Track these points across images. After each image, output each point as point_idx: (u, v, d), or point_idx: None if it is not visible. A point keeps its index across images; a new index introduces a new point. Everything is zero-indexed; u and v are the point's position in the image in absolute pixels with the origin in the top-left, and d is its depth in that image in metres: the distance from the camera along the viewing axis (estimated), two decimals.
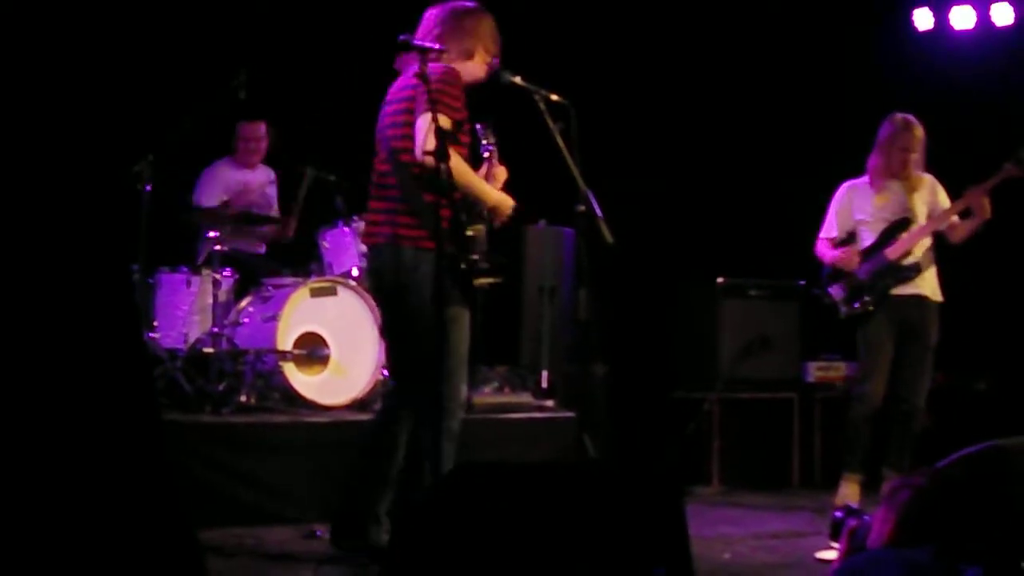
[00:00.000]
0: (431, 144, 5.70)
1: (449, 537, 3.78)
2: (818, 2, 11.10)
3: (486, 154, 6.36)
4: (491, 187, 6.14)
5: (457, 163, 5.83)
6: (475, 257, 5.94)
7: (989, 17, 10.62)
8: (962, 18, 10.75)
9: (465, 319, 6.00)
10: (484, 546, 3.81)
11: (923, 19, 10.96)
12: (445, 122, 5.74)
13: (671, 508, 4.26)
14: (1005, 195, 8.25)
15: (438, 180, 5.67)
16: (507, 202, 6.14)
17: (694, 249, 11.03)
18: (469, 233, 5.94)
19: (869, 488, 8.05)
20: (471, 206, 5.99)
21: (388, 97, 6.18)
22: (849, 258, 8.33)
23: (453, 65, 6.03)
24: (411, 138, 5.85)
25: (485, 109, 6.33)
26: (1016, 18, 10.52)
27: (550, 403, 9.16)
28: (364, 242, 6.27)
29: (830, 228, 8.51)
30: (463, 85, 6.01)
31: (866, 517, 4.32)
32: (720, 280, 9.94)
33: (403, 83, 6.11)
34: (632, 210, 9.43)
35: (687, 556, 4.33)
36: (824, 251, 8.50)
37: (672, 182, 11.35)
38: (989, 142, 8.46)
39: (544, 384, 9.60)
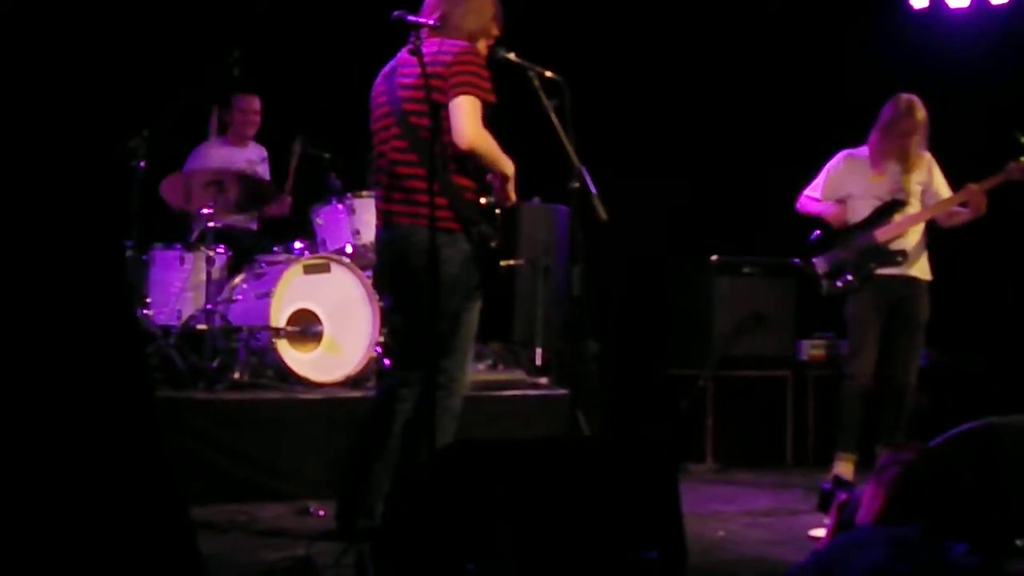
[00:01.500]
0: (474, 127, 5.71)
1: (443, 512, 3.79)
2: None
3: None
4: (510, 162, 6.08)
5: (489, 137, 5.85)
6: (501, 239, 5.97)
7: None
8: None
9: (478, 302, 6.01)
10: (478, 521, 3.81)
11: None
12: (477, 104, 5.78)
13: (665, 485, 4.27)
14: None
15: (477, 164, 5.76)
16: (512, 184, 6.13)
17: (688, 226, 11.02)
18: (497, 213, 5.96)
19: (863, 467, 8.06)
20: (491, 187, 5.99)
21: (401, 64, 6.07)
22: (839, 216, 8.33)
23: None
24: (430, 115, 5.79)
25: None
26: None
27: (544, 380, 9.16)
28: (381, 221, 6.18)
29: (816, 188, 8.51)
30: (485, 62, 5.97)
31: (856, 491, 4.33)
32: (714, 257, 9.94)
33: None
34: (626, 187, 9.42)
35: (680, 533, 4.34)
36: (809, 204, 8.49)
37: (666, 159, 11.34)
38: (984, 121, 8.47)
39: (538, 361, 9.59)
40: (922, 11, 10.96)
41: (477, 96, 5.79)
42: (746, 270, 10.02)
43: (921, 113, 8.22)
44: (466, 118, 5.75)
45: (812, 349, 10.06)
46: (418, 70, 5.80)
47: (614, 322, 10.36)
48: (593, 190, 6.01)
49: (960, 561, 3.70)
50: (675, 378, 9.93)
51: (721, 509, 7.75)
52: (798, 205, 8.55)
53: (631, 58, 11.28)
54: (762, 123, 11.15)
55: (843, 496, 4.29)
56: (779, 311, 9.99)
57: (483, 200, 5.90)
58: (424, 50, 5.72)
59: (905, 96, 8.24)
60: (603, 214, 5.98)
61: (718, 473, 9.41)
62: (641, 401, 10.06)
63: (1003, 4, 10.56)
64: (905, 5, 10.96)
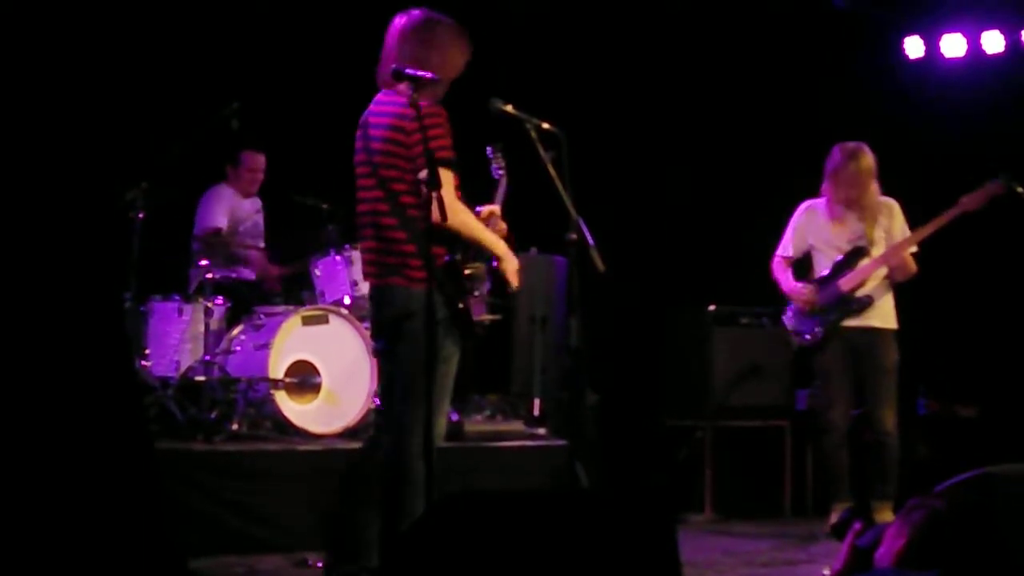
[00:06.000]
0: (450, 200, 5.68)
1: (439, 566, 3.78)
2: (809, 31, 11.13)
3: (497, 177, 6.38)
4: (497, 238, 6.09)
5: (467, 217, 5.82)
6: (476, 295, 5.94)
7: (980, 45, 10.66)
8: (953, 46, 10.79)
9: (455, 357, 5.97)
10: (475, 574, 3.81)
11: (914, 47, 11.00)
12: (450, 177, 5.77)
13: (663, 536, 4.26)
14: (995, 223, 8.27)
15: (450, 234, 5.72)
16: (513, 261, 6.11)
17: (685, 277, 11.03)
18: (468, 271, 5.93)
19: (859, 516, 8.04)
20: (468, 244, 5.97)
21: (371, 119, 6.01)
22: (806, 297, 8.33)
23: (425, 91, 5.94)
24: (404, 169, 5.82)
25: (486, 134, 6.33)
26: (1006, 46, 10.56)
27: (542, 431, 9.17)
28: (366, 279, 6.21)
29: (786, 247, 8.54)
30: (447, 119, 5.95)
31: (876, 524, 4.33)
32: (711, 308, 9.93)
33: (386, 103, 6.02)
34: (624, 238, 9.44)
35: None
36: (780, 274, 8.51)
37: (663, 210, 11.37)
38: (979, 169, 8.49)
39: (536, 412, 9.59)
40: (918, 60, 11.02)
41: (450, 166, 5.76)
42: (744, 320, 10.01)
43: (863, 162, 8.22)
44: (444, 193, 5.70)
45: (811, 399, 10.04)
46: (386, 133, 5.87)
47: (612, 373, 10.35)
48: (591, 241, 6.02)
49: None
50: (673, 428, 9.91)
51: (720, 559, 7.74)
52: (772, 271, 8.57)
53: (629, 109, 11.32)
54: (759, 173, 11.18)
55: (859, 525, 4.28)
56: (777, 361, 9.95)
57: (445, 259, 5.84)
58: (390, 99, 5.80)
59: (851, 146, 8.27)
60: (601, 265, 5.99)
61: (716, 523, 9.38)
62: (639, 451, 10.04)
63: (998, 54, 10.61)
64: (901, 55, 11.02)
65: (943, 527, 4.00)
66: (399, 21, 6.07)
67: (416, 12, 6.08)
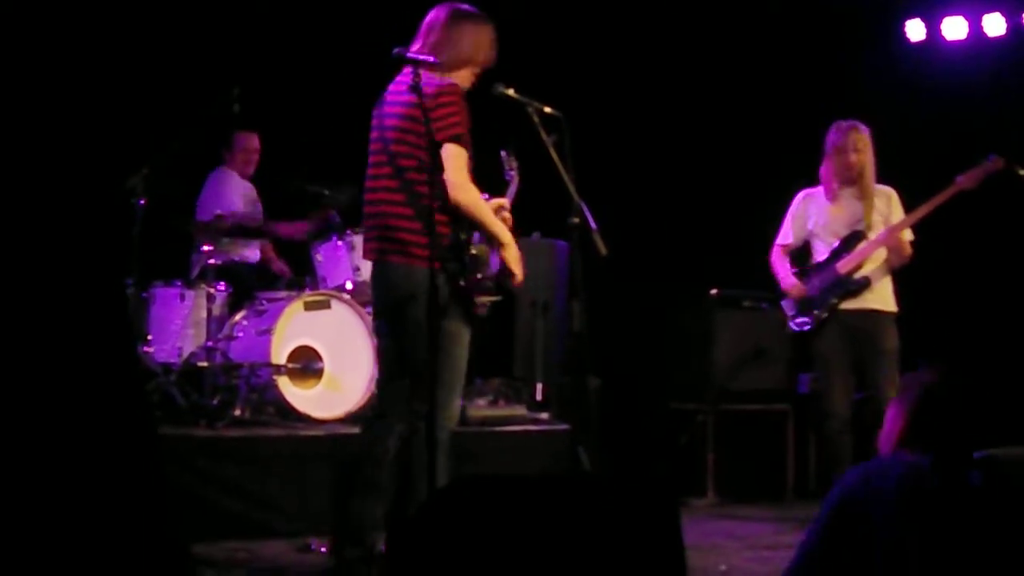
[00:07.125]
0: (462, 178, 5.72)
1: (444, 550, 3.78)
2: (810, 14, 11.11)
3: (510, 179, 6.42)
4: (503, 226, 6.10)
5: (474, 197, 5.86)
6: (479, 276, 5.95)
7: (981, 28, 10.64)
8: (954, 29, 10.77)
9: (465, 335, 5.97)
10: (478, 559, 3.81)
11: (915, 30, 10.97)
12: (463, 153, 5.78)
13: (666, 520, 4.26)
14: (997, 206, 8.25)
15: (458, 213, 5.73)
16: (515, 251, 6.12)
17: (688, 261, 11.02)
18: (473, 252, 5.94)
19: None
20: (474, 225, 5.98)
21: (389, 99, 6.05)
22: (799, 296, 8.32)
23: (446, 75, 5.95)
24: (414, 146, 5.83)
25: (505, 132, 6.33)
26: (1008, 28, 10.54)
27: (544, 415, 9.17)
28: (368, 257, 6.17)
29: (785, 235, 8.52)
30: (464, 99, 5.95)
31: None
32: (714, 292, 9.94)
33: (405, 82, 6.00)
34: (626, 222, 9.43)
35: (682, 569, 4.33)
36: (778, 266, 8.48)
37: (666, 193, 11.36)
38: (980, 152, 8.48)
39: (538, 396, 9.59)
40: (919, 44, 11.00)
41: (462, 144, 5.81)
42: (746, 304, 10.01)
43: (861, 137, 8.19)
44: (454, 168, 5.75)
45: (813, 382, 10.03)
46: (401, 110, 5.88)
47: (614, 357, 10.34)
48: (593, 225, 6.02)
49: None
50: (675, 412, 9.92)
51: (723, 543, 7.75)
52: (771, 261, 8.54)
53: (630, 93, 11.31)
54: (761, 157, 11.16)
55: None
56: (779, 345, 9.94)
57: (450, 236, 5.84)
58: (407, 80, 5.77)
59: (847, 122, 8.26)
60: (603, 249, 5.99)
61: (719, 507, 9.39)
62: (642, 436, 10.04)
63: (1000, 36, 10.59)
64: (902, 38, 11.00)
65: (937, 403, 4.03)
66: (435, 12, 6.13)
67: (454, 5, 6.14)
